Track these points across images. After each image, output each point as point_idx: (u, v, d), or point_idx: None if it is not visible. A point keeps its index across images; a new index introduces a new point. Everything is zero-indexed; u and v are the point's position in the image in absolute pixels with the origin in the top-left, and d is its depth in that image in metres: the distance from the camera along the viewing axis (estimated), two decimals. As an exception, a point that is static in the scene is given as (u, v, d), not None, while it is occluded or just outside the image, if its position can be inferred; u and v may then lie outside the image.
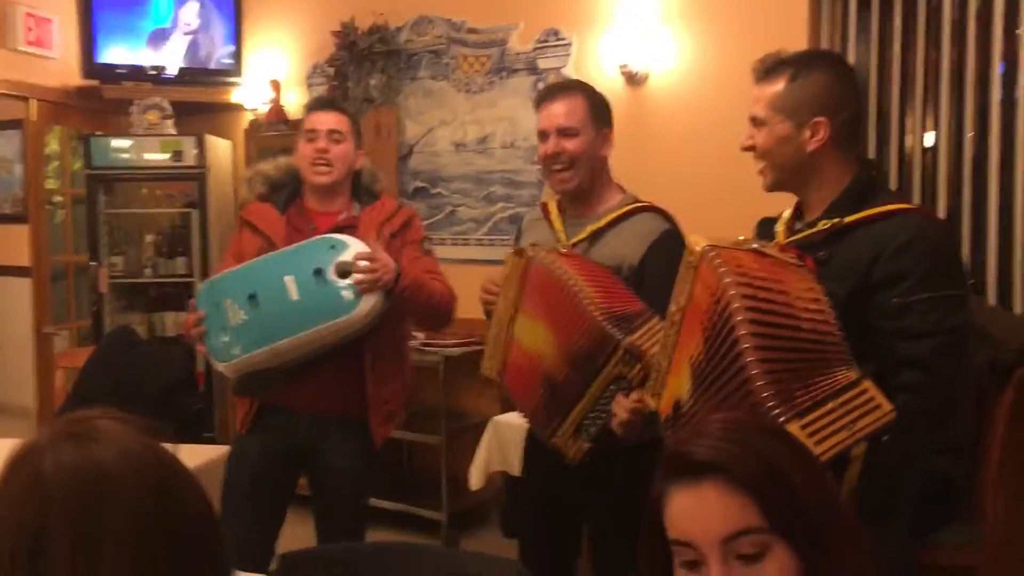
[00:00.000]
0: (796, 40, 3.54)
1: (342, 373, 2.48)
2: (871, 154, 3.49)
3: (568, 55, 4.14)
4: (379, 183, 2.72)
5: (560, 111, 2.13)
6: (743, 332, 1.43)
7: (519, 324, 2.11)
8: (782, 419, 1.36)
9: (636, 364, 1.86)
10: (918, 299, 1.57)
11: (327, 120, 2.56)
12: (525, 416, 2.17)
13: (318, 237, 2.46)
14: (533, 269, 2.08)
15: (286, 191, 2.62)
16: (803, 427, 1.36)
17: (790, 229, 1.76)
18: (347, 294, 2.33)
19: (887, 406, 1.39)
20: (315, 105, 2.75)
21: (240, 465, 2.54)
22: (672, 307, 1.66)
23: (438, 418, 4.09)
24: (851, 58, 3.55)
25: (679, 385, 1.61)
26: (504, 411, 3.54)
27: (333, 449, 2.52)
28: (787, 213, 1.82)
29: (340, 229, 2.51)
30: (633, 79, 3.89)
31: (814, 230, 1.67)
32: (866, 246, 1.61)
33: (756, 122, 1.74)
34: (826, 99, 1.68)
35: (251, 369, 2.41)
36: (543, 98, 2.20)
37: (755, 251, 1.60)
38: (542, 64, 4.22)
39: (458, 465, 3.84)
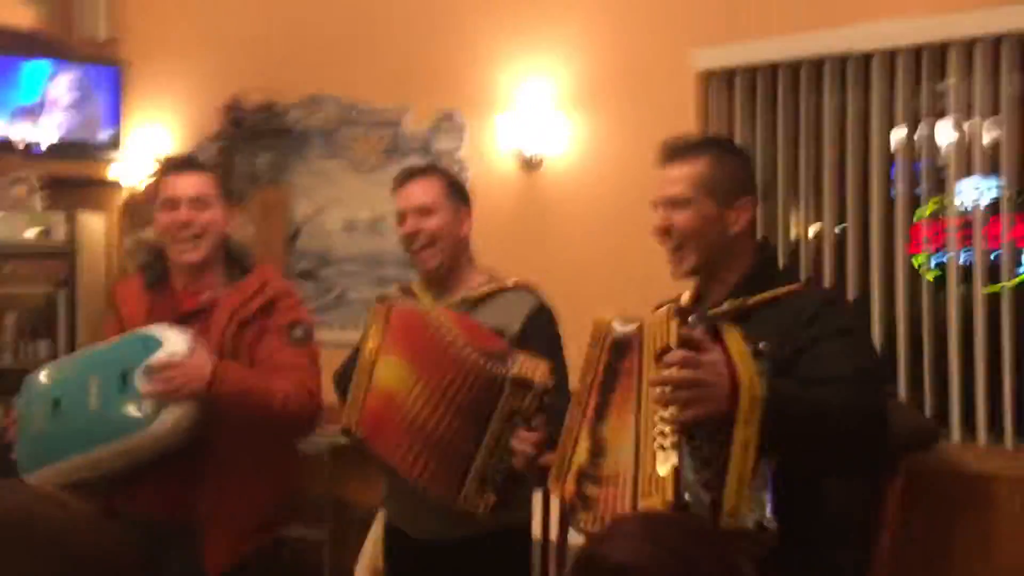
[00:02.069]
0: (686, 127, 3.60)
1: (179, 476, 2.11)
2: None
3: (463, 139, 4.12)
4: (248, 256, 2.38)
5: (416, 191, 2.15)
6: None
7: (379, 367, 2.03)
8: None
9: (527, 393, 1.83)
10: (836, 347, 1.54)
11: (188, 184, 2.23)
12: (417, 482, 1.95)
13: (136, 332, 2.14)
14: (395, 313, 2.05)
15: (164, 263, 2.31)
16: None
17: (686, 315, 1.75)
18: (146, 405, 2.00)
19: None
20: (171, 167, 2.35)
21: None
22: (578, 387, 1.64)
23: (323, 511, 3.88)
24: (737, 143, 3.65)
25: (579, 456, 1.58)
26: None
27: (169, 560, 2.10)
28: (686, 296, 1.80)
29: (194, 314, 2.21)
30: (528, 163, 3.90)
31: (719, 311, 1.64)
32: (775, 321, 1.59)
33: (677, 203, 1.69)
34: (749, 181, 1.72)
35: (60, 481, 2.05)
36: (399, 181, 2.21)
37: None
38: (437, 146, 4.19)
39: (344, 560, 3.63)
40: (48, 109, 4.85)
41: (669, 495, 1.32)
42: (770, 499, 1.39)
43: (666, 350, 1.40)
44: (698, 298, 1.77)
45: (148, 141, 4.91)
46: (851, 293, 3.38)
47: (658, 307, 1.87)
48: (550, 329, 2.11)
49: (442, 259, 2.13)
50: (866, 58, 3.36)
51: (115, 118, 4.97)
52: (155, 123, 4.94)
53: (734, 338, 1.43)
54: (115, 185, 5.00)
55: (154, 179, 2.41)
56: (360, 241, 4.37)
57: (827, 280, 3.44)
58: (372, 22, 4.36)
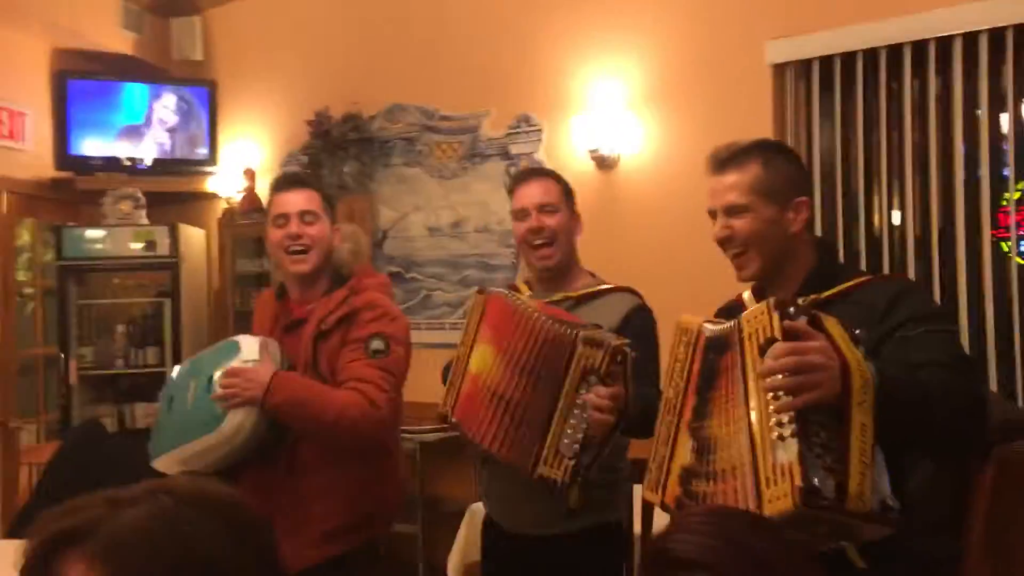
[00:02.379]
0: (761, 121, 3.63)
1: (259, 481, 2.20)
2: (840, 233, 3.53)
3: (539, 140, 4.20)
4: (346, 268, 2.44)
5: (538, 190, 2.19)
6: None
7: (473, 356, 2.08)
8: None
9: (599, 351, 1.82)
10: (919, 332, 1.53)
11: (297, 200, 2.29)
12: (496, 453, 1.99)
13: (228, 339, 2.29)
14: (490, 303, 2.09)
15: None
16: None
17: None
18: (218, 408, 2.12)
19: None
20: (281, 184, 2.41)
21: None
22: (669, 392, 1.62)
23: (414, 507, 4.00)
24: (815, 138, 3.62)
25: (681, 457, 1.56)
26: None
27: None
28: (747, 296, 1.79)
29: (295, 324, 2.32)
30: (603, 163, 3.95)
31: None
32: (851, 312, 1.55)
33: (735, 210, 1.70)
34: (803, 180, 1.72)
35: (176, 470, 2.21)
36: (518, 180, 2.25)
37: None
38: (514, 149, 4.27)
39: (436, 556, 3.74)
40: (149, 128, 5.13)
41: (798, 480, 1.31)
42: (887, 480, 1.39)
43: (771, 341, 1.41)
44: (759, 299, 1.76)
45: (241, 155, 5.14)
46: (936, 281, 3.33)
47: (719, 311, 1.86)
48: (647, 329, 2.10)
49: (560, 257, 2.16)
50: (946, 42, 3.30)
51: (210, 134, 5.22)
52: (247, 138, 5.17)
53: (834, 325, 1.43)
54: (212, 197, 5.25)
55: (266, 196, 2.49)
56: (442, 244, 4.50)
57: (911, 268, 3.39)
58: (448, 32, 4.48)
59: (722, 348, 1.53)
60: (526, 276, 2.35)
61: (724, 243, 1.74)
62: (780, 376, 1.37)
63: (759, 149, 1.73)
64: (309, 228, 2.27)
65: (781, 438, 1.37)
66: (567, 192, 2.23)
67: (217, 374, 2.14)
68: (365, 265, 2.52)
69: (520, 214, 2.20)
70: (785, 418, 1.38)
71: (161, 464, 2.24)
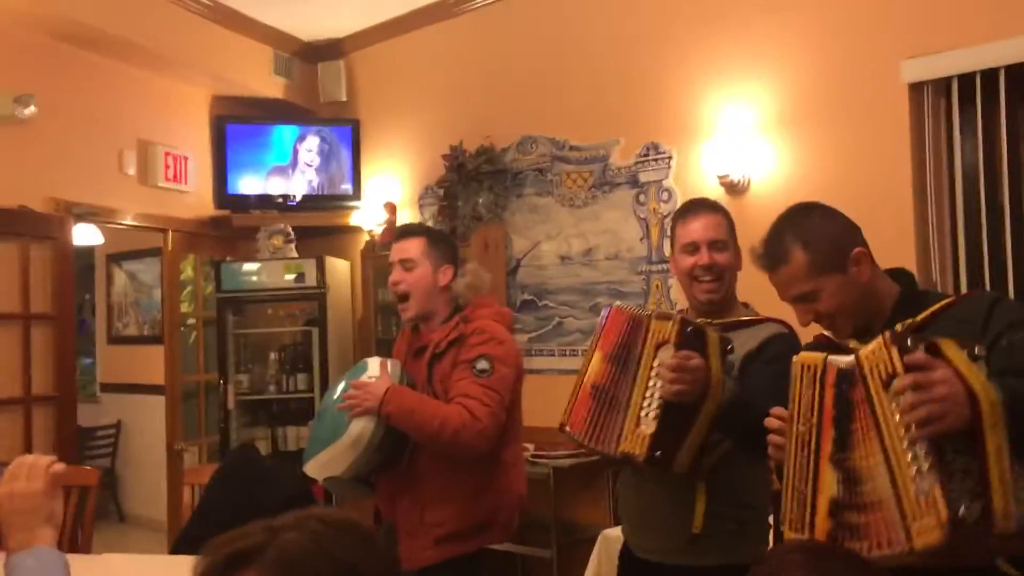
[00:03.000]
0: (899, 138, 3.54)
1: (390, 486, 2.60)
2: (985, 248, 3.39)
3: (669, 167, 4.22)
4: (463, 299, 2.68)
5: (710, 224, 2.22)
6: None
7: (589, 366, 2.13)
8: None
9: (668, 323, 1.90)
10: (1019, 339, 1.54)
11: (398, 250, 2.65)
12: (585, 439, 2.05)
13: (362, 360, 2.67)
14: (613, 315, 2.16)
15: None
16: None
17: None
18: (345, 417, 2.49)
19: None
20: (396, 235, 2.80)
21: None
22: (800, 428, 1.60)
23: (548, 531, 4.06)
24: (957, 156, 3.50)
25: (828, 490, 1.54)
26: (615, 524, 3.50)
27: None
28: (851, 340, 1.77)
29: (419, 350, 2.65)
30: (734, 188, 3.93)
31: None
32: (949, 329, 1.55)
33: (808, 297, 1.74)
34: (843, 235, 1.73)
35: (322, 475, 2.59)
36: (686, 212, 2.27)
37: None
38: (643, 177, 4.31)
39: (570, 580, 3.78)
40: (298, 167, 5.45)
41: (943, 512, 1.32)
42: None
43: (893, 376, 1.42)
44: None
45: (382, 190, 5.38)
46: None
47: (816, 346, 1.83)
48: (783, 352, 2.01)
49: (724, 294, 2.20)
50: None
51: (354, 170, 5.49)
52: (387, 173, 5.42)
53: (952, 348, 1.42)
54: (356, 230, 5.52)
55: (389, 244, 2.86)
56: (574, 272, 4.57)
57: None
58: (576, 64, 4.57)
59: (851, 382, 1.52)
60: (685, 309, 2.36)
61: (816, 322, 1.77)
62: (909, 411, 1.38)
63: (790, 233, 1.74)
64: (408, 275, 2.61)
65: (920, 471, 1.37)
66: (732, 227, 2.25)
67: (345, 389, 2.53)
68: (483, 296, 2.75)
69: (689, 248, 2.21)
70: (921, 451, 1.38)
71: (308, 469, 2.62)
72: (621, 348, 1.98)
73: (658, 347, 1.89)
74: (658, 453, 1.89)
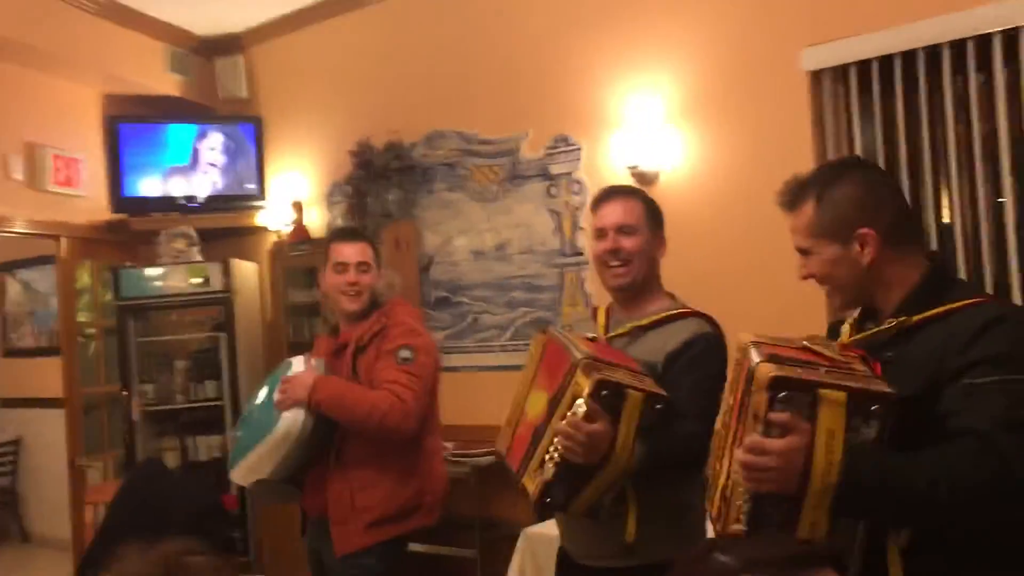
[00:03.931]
0: (800, 128, 3.60)
1: (317, 479, 2.72)
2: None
3: (579, 159, 4.21)
4: (382, 297, 2.90)
5: (618, 210, 2.17)
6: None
7: (529, 401, 2.08)
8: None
9: (586, 379, 1.79)
10: (987, 382, 1.44)
11: (355, 252, 2.80)
12: (510, 466, 2.05)
13: (285, 359, 2.83)
14: (549, 345, 2.07)
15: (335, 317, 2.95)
16: None
17: (857, 329, 1.69)
18: (275, 413, 2.60)
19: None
20: (341, 236, 2.92)
21: (309, 568, 2.89)
22: (722, 410, 1.63)
23: (472, 529, 4.02)
24: (857, 141, 3.58)
25: (723, 476, 1.57)
26: (538, 520, 3.47)
27: (323, 549, 2.75)
28: (855, 313, 1.74)
29: (338, 348, 2.80)
30: (643, 179, 3.94)
31: (879, 329, 1.61)
32: (938, 340, 1.51)
33: (802, 252, 1.68)
34: (861, 208, 1.61)
35: (249, 480, 2.70)
36: (601, 199, 2.23)
37: (802, 347, 1.56)
38: (554, 169, 4.29)
39: (494, 578, 3.75)
40: (199, 167, 5.26)
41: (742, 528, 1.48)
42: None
43: (757, 417, 1.43)
44: (866, 315, 1.72)
45: (288, 188, 5.24)
46: (988, 280, 3.26)
47: (832, 324, 1.83)
48: (704, 357, 2.04)
49: (634, 278, 2.15)
50: (985, 39, 3.24)
51: (258, 169, 5.33)
52: (293, 171, 5.27)
53: (830, 414, 1.40)
54: (263, 231, 5.36)
55: (324, 245, 2.95)
56: (488, 267, 4.53)
57: (961, 269, 3.32)
58: (483, 57, 4.53)
59: (746, 391, 1.52)
60: (608, 301, 2.31)
61: (808, 278, 1.72)
62: (741, 462, 1.44)
63: (814, 184, 1.66)
64: (363, 276, 2.79)
65: (743, 500, 1.48)
66: (651, 212, 2.19)
67: (278, 386, 2.63)
68: (398, 296, 3.05)
69: (598, 233, 2.18)
70: (742, 494, 1.46)
71: (235, 476, 2.74)
72: (556, 393, 1.91)
73: (575, 398, 1.82)
74: (547, 500, 1.89)
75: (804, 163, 3.59)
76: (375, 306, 2.83)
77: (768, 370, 1.42)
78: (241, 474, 2.72)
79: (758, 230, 3.71)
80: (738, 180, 3.76)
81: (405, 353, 2.69)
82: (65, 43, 4.66)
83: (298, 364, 2.71)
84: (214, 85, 5.47)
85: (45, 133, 4.88)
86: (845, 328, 1.71)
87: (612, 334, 2.15)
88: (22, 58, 4.64)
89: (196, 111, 5.46)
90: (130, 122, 5.18)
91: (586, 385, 1.79)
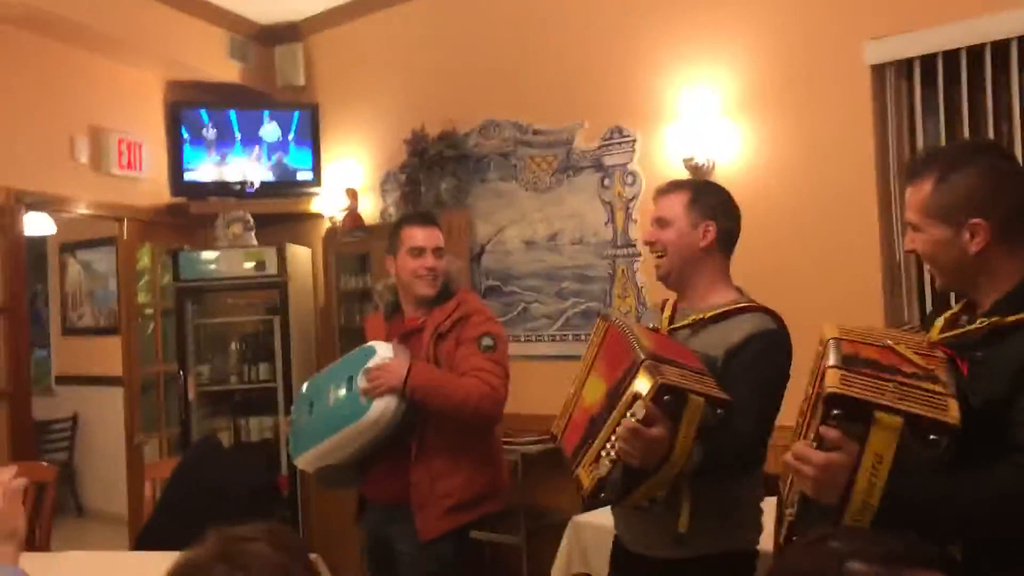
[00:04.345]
0: (862, 120, 3.56)
1: (400, 465, 2.69)
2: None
3: (633, 151, 4.20)
4: (454, 283, 2.88)
5: (662, 203, 2.21)
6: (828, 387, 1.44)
7: (587, 385, 2.09)
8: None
9: (649, 380, 1.77)
10: None
11: (433, 237, 2.81)
12: (570, 461, 2.05)
13: (362, 346, 2.75)
14: (610, 332, 2.08)
15: (395, 301, 2.92)
16: None
17: (952, 324, 1.66)
18: (362, 399, 2.58)
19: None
20: (416, 220, 2.92)
21: (360, 555, 2.91)
22: (809, 389, 1.61)
23: (517, 517, 4.04)
24: (919, 137, 3.52)
25: None
26: (585, 511, 3.49)
27: (397, 536, 2.75)
28: (956, 307, 1.71)
29: (410, 333, 2.79)
30: (698, 171, 3.92)
31: (971, 327, 1.58)
32: (1016, 348, 1.48)
33: (913, 227, 1.66)
34: (979, 198, 1.57)
35: (315, 466, 2.71)
36: (653, 197, 2.28)
37: (886, 347, 1.54)
38: (607, 161, 4.29)
39: (540, 566, 3.77)
40: (257, 152, 5.34)
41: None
42: None
43: (815, 421, 1.45)
44: (966, 309, 1.69)
45: (342, 175, 5.30)
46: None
47: (931, 312, 1.84)
48: (762, 355, 2.01)
49: (670, 269, 2.18)
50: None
51: (314, 156, 5.40)
52: (348, 158, 5.33)
53: (881, 438, 1.39)
54: (317, 217, 5.43)
55: (394, 228, 2.94)
56: (539, 257, 4.54)
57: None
58: (539, 47, 4.53)
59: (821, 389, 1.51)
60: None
61: (911, 253, 1.72)
62: (793, 468, 1.48)
63: (940, 161, 1.63)
64: (439, 262, 2.81)
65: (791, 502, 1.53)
66: (696, 203, 2.18)
67: (360, 372, 2.60)
68: (466, 283, 3.08)
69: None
70: (796, 490, 1.50)
71: (302, 462, 2.74)
72: (617, 385, 1.90)
73: (635, 398, 1.80)
74: (601, 495, 1.91)
75: (864, 160, 3.56)
76: (447, 292, 2.83)
77: (832, 381, 1.42)
78: (309, 460, 2.73)
79: (814, 226, 3.67)
80: (795, 175, 3.72)
81: (487, 341, 2.72)
82: (130, 29, 4.76)
83: (384, 350, 2.67)
84: (273, 72, 5.55)
85: (110, 117, 4.99)
86: (939, 322, 1.67)
87: (674, 326, 2.14)
88: (88, 43, 4.75)
89: (255, 98, 5.54)
90: (191, 108, 5.28)
91: (648, 387, 1.77)
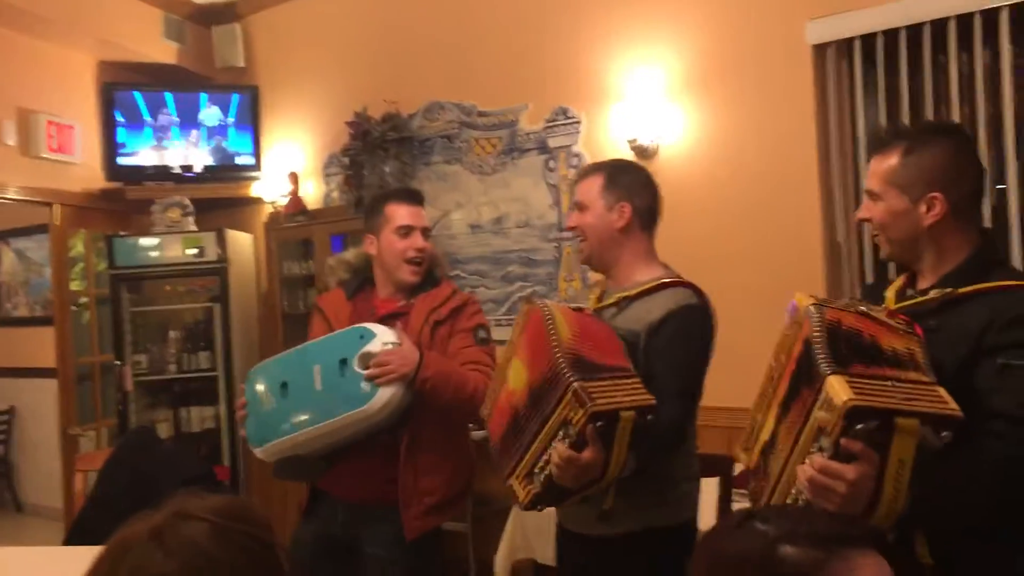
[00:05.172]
0: (803, 103, 3.55)
1: (378, 462, 2.44)
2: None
3: (578, 132, 4.16)
4: (440, 268, 2.69)
5: (578, 189, 2.24)
6: (817, 344, 1.45)
7: (510, 368, 2.08)
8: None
9: (579, 409, 1.75)
10: (1015, 366, 1.51)
11: (421, 216, 2.61)
12: (493, 449, 2.07)
13: (351, 327, 2.45)
14: (532, 317, 2.07)
15: (360, 277, 2.68)
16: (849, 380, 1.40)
17: (900, 296, 1.74)
18: (364, 386, 2.32)
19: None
20: (402, 197, 2.66)
21: (297, 552, 2.54)
22: (772, 363, 1.64)
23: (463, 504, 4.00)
24: (860, 118, 3.53)
25: (767, 431, 1.60)
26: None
27: (368, 538, 2.49)
28: (899, 280, 1.80)
29: (392, 316, 2.52)
30: (643, 153, 3.89)
31: (925, 298, 1.65)
32: (979, 315, 1.56)
33: (871, 195, 1.73)
34: (942, 174, 1.65)
35: (281, 455, 2.44)
36: (574, 179, 2.34)
37: (860, 312, 1.58)
38: (552, 143, 4.24)
39: (485, 552, 3.73)
40: (195, 136, 5.20)
41: None
42: None
43: (827, 433, 1.41)
44: (910, 282, 1.77)
45: (284, 159, 5.19)
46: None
47: (867, 286, 1.85)
48: (682, 331, 2.02)
49: (590, 252, 2.20)
50: (992, 13, 3.18)
51: (254, 140, 5.27)
52: (289, 142, 5.22)
53: (904, 445, 1.40)
54: (258, 202, 5.31)
55: (375, 205, 2.67)
56: (485, 241, 4.48)
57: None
58: (483, 28, 4.46)
59: (809, 374, 1.49)
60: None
61: (864, 221, 1.78)
62: (809, 479, 1.44)
63: (908, 136, 1.70)
64: (428, 243, 2.60)
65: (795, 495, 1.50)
66: (612, 184, 2.18)
67: (356, 356, 2.34)
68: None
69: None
70: (801, 492, 1.47)
71: (269, 450, 2.44)
72: (542, 387, 1.88)
73: (565, 421, 1.79)
74: (539, 508, 1.93)
75: (806, 139, 3.57)
76: (432, 277, 2.63)
77: (844, 391, 1.39)
78: (279, 448, 2.42)
79: (757, 205, 3.67)
80: (739, 155, 3.71)
81: (483, 334, 2.56)
82: (60, 8, 4.59)
83: (386, 333, 2.38)
84: (211, 54, 5.40)
85: (39, 99, 4.82)
86: (889, 295, 1.75)
87: (600, 305, 2.16)
88: (16, 22, 4.57)
89: (192, 80, 5.39)
90: (125, 89, 5.12)
91: (578, 415, 1.76)
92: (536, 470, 1.87)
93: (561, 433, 1.80)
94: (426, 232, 2.60)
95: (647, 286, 2.10)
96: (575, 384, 1.77)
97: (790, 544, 0.98)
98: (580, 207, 2.20)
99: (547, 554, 2.61)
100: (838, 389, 1.39)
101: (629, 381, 1.84)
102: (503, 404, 2.05)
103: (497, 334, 4.33)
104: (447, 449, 2.52)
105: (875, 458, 1.39)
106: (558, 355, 1.85)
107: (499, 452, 2.02)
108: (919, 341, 1.54)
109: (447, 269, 2.74)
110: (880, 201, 1.71)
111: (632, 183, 2.19)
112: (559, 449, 1.79)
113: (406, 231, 2.55)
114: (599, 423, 1.75)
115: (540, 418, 1.86)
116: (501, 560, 3.28)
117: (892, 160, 1.69)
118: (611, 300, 2.14)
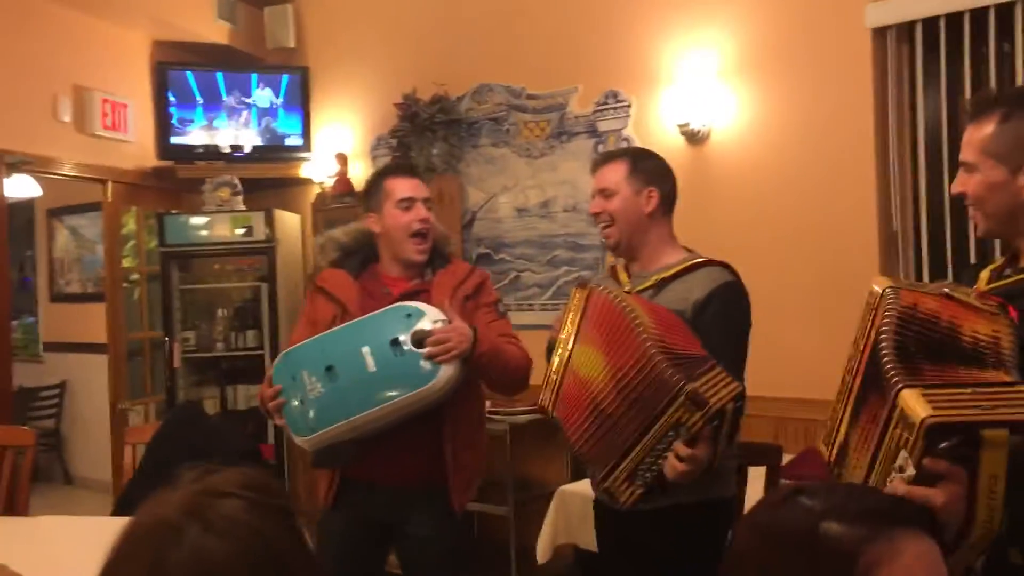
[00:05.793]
0: (862, 85, 3.47)
1: (421, 442, 2.40)
2: (946, 194, 3.34)
3: (628, 116, 4.11)
4: (450, 245, 2.67)
5: (602, 174, 2.26)
6: (884, 345, 1.35)
7: (575, 353, 2.06)
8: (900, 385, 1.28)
9: (697, 412, 1.78)
10: None
11: (420, 188, 2.55)
12: (577, 450, 2.05)
13: (394, 306, 2.40)
14: (594, 299, 2.07)
15: (359, 256, 2.59)
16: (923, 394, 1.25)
17: (996, 276, 1.62)
18: (425, 364, 2.29)
19: None
20: (397, 171, 2.63)
21: (326, 543, 2.48)
22: (851, 350, 1.53)
23: (505, 488, 4.00)
24: (920, 105, 3.44)
25: (844, 427, 1.49)
26: (572, 480, 3.44)
27: (416, 520, 2.45)
28: (999, 260, 1.68)
29: (412, 294, 2.47)
30: (694, 137, 3.84)
31: (1020, 277, 1.55)
32: None
33: (967, 167, 1.61)
34: None
35: (330, 443, 2.35)
36: (592, 166, 2.34)
37: (943, 295, 1.47)
38: (602, 126, 4.20)
39: (527, 537, 3.73)
40: (245, 116, 5.24)
41: None
42: None
43: (906, 446, 1.26)
44: (1010, 261, 1.65)
45: (333, 140, 5.21)
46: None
47: (967, 268, 1.78)
48: (729, 307, 2.09)
49: (619, 238, 2.22)
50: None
51: (304, 121, 5.30)
52: (338, 123, 5.23)
53: (994, 459, 1.24)
54: (306, 182, 5.34)
55: (373, 181, 2.61)
56: (531, 225, 4.46)
57: None
58: (533, 10, 4.42)
59: (877, 379, 1.37)
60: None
61: (958, 196, 1.65)
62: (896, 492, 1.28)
63: (1006, 103, 1.58)
64: (429, 214, 2.53)
65: None
66: (638, 170, 2.22)
67: (408, 335, 2.30)
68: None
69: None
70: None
71: (320, 438, 2.33)
72: (640, 389, 1.86)
73: (677, 424, 1.82)
74: (640, 505, 1.94)
75: (863, 125, 3.48)
76: (442, 255, 2.59)
77: (921, 411, 1.23)
78: (333, 434, 2.33)
79: (810, 193, 3.60)
80: (793, 141, 3.64)
81: (502, 308, 2.60)
82: (115, -13, 4.65)
83: (433, 311, 2.34)
84: (262, 34, 5.43)
85: (94, 77, 4.89)
86: (984, 274, 1.63)
87: (639, 288, 2.16)
88: (73, 1, 4.64)
89: (244, 60, 5.43)
90: (178, 69, 5.17)
91: (696, 418, 1.79)
92: (639, 469, 1.89)
93: (672, 434, 1.82)
94: (427, 202, 2.54)
95: (682, 266, 2.15)
96: (688, 387, 1.79)
97: (835, 520, 0.93)
98: (605, 193, 2.23)
99: (590, 539, 2.58)
100: (914, 406, 1.25)
101: (717, 372, 1.84)
102: (575, 395, 2.02)
103: (541, 319, 4.34)
104: (477, 423, 2.58)
105: (964, 475, 1.24)
106: (650, 346, 1.86)
107: (588, 454, 2.01)
108: (1010, 324, 1.41)
109: (453, 247, 2.73)
110: (975, 172, 1.58)
111: (656, 169, 2.26)
112: (682, 451, 1.81)
113: (408, 203, 2.50)
114: (715, 422, 1.79)
115: (643, 419, 1.86)
116: (543, 545, 3.27)
117: (988, 128, 1.56)
118: (650, 283, 2.16)
